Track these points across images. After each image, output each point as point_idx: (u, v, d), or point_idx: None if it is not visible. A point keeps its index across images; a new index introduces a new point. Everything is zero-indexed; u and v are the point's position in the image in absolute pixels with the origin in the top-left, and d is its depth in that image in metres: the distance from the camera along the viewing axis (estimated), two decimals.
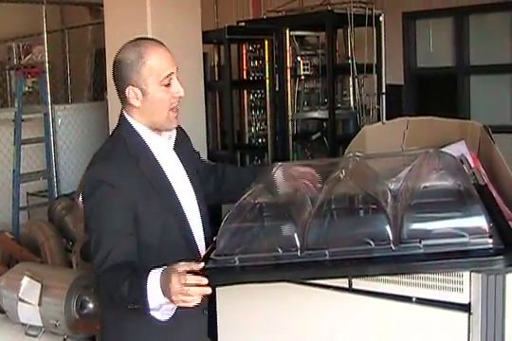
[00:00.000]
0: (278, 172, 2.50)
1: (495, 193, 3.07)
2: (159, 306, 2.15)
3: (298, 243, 2.03)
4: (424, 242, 1.94)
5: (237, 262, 2.06)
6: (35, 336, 4.13)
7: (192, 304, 2.07)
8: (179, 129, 2.62)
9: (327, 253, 2.00)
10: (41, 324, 4.08)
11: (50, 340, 4.12)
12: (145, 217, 2.32)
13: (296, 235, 2.04)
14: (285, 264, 2.03)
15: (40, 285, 4.07)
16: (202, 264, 2.06)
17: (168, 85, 2.36)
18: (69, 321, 3.99)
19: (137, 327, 2.38)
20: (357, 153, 2.51)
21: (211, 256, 2.11)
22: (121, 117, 2.46)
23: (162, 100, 2.36)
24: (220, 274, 2.07)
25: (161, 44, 2.41)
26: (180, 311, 2.30)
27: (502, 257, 1.86)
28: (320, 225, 2.06)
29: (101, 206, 2.29)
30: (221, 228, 2.11)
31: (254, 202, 2.16)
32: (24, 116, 6.64)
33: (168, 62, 2.37)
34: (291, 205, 2.21)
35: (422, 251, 1.94)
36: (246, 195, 2.19)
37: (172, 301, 2.09)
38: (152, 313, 2.17)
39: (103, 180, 2.28)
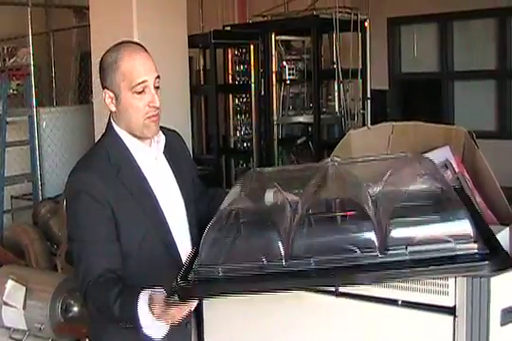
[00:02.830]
0: (256, 179, 2.46)
1: (479, 198, 3.11)
2: (152, 323, 2.11)
3: (282, 252, 1.98)
4: (410, 249, 1.91)
5: (220, 273, 2.00)
6: (19, 340, 4.11)
7: (179, 319, 2.07)
8: (176, 135, 2.61)
9: (312, 262, 1.96)
10: (25, 328, 4.05)
11: None
12: (125, 226, 2.29)
13: (280, 244, 1.99)
14: (270, 275, 1.98)
15: (24, 288, 4.05)
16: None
17: (141, 93, 2.30)
18: (54, 325, 3.97)
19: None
20: (336, 159, 2.49)
21: (194, 266, 2.06)
22: (108, 124, 2.43)
23: (135, 108, 2.31)
24: (203, 286, 2.02)
25: (143, 49, 2.35)
26: None
27: (487, 262, 1.84)
28: (304, 234, 2.02)
29: (82, 216, 2.27)
30: (203, 238, 2.05)
31: (235, 210, 2.10)
32: (8, 119, 6.60)
33: (144, 69, 2.30)
34: (272, 212, 2.17)
35: (408, 257, 1.91)
36: (226, 203, 2.16)
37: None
38: (145, 330, 2.14)
39: (83, 190, 2.26)
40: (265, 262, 1.99)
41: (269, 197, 2.32)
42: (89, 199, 2.25)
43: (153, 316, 2.06)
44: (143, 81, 2.30)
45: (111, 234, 2.27)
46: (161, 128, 2.47)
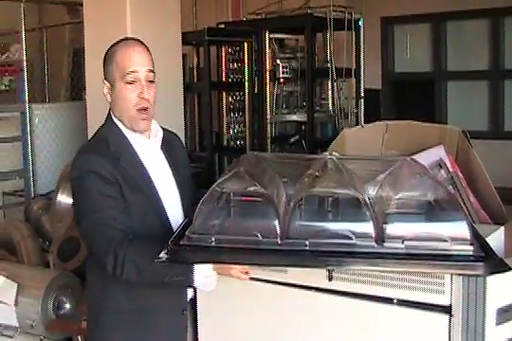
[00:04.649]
0: (254, 160, 2.48)
1: (472, 197, 3.11)
2: (208, 273, 2.22)
3: (278, 231, 2.00)
4: (406, 243, 1.92)
5: (213, 242, 2.02)
6: (11, 337, 4.08)
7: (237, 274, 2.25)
8: (175, 137, 2.71)
9: (307, 243, 1.97)
10: (17, 324, 4.04)
11: None
12: (127, 206, 2.35)
13: (277, 222, 2.01)
14: (265, 250, 1.99)
15: (16, 285, 4.03)
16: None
17: (132, 83, 2.38)
18: (46, 321, 3.96)
19: (114, 324, 2.43)
20: (334, 153, 2.49)
21: (187, 233, 2.08)
22: (107, 115, 2.51)
23: (126, 99, 2.40)
24: (195, 251, 2.04)
25: (140, 44, 2.45)
26: (158, 310, 2.38)
27: (483, 263, 1.85)
28: (302, 215, 2.05)
29: (94, 191, 2.31)
30: (198, 207, 2.08)
31: (233, 185, 2.14)
32: (0, 115, 6.58)
33: (137, 60, 2.39)
34: (270, 191, 2.16)
35: (404, 251, 1.92)
36: (224, 178, 2.17)
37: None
38: (196, 282, 2.22)
39: (92, 170, 2.32)
40: (259, 238, 2.01)
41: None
42: (99, 177, 2.31)
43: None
44: (133, 71, 2.38)
45: (122, 206, 2.33)
46: (162, 128, 2.57)
